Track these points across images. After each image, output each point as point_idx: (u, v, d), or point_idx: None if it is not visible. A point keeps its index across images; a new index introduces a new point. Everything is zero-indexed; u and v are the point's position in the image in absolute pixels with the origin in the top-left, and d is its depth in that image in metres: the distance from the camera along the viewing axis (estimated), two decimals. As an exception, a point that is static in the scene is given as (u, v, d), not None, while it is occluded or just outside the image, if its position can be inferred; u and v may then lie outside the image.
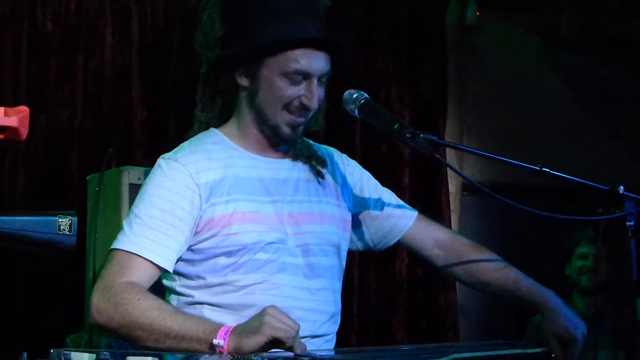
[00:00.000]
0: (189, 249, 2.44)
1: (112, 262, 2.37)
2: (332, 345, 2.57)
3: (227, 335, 2.20)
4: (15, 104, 4.04)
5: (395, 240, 2.77)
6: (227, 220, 2.42)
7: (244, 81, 2.51)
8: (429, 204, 4.93)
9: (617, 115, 5.43)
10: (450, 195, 5.01)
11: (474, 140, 5.21)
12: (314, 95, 2.46)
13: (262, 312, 2.21)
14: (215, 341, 2.20)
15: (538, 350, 2.40)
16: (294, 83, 2.46)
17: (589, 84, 5.50)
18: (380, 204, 2.77)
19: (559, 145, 5.25)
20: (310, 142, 2.68)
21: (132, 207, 2.46)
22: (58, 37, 4.35)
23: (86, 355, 1.84)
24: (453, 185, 5.07)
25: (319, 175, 2.62)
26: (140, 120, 4.42)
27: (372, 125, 2.56)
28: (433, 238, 2.79)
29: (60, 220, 1.96)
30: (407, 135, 2.39)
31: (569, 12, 5.43)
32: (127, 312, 2.27)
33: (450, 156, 4.83)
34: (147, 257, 2.36)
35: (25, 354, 1.84)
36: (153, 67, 4.48)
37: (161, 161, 2.50)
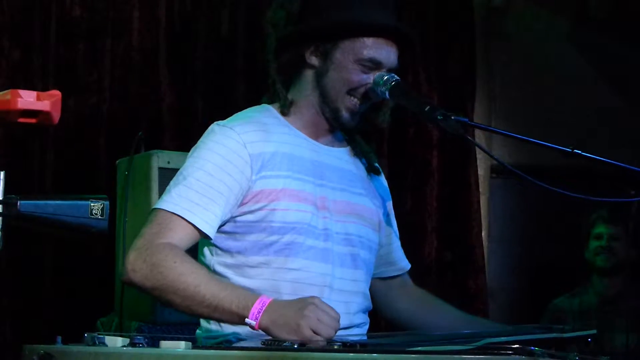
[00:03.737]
0: (233, 220, 2.42)
1: (153, 222, 2.35)
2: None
3: (260, 315, 2.16)
4: (44, 88, 4.05)
5: (392, 275, 2.77)
6: (276, 195, 2.40)
7: (313, 60, 2.51)
8: (458, 186, 4.91)
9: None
10: (479, 177, 4.99)
11: (503, 122, 5.18)
12: None
13: (305, 304, 2.16)
14: (247, 320, 2.18)
15: (574, 334, 2.38)
16: (365, 71, 2.47)
17: (618, 64, 5.45)
18: (395, 236, 2.77)
19: (589, 127, 5.21)
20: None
21: (180, 169, 2.44)
22: (86, 21, 4.35)
23: (120, 339, 1.85)
24: (482, 167, 5.04)
25: (372, 170, 2.63)
26: (168, 104, 4.42)
27: (403, 107, 2.56)
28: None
29: (92, 204, 1.96)
30: (439, 117, 2.38)
31: (598, -7, 5.39)
32: (162, 275, 2.26)
33: (479, 138, 4.80)
34: (189, 220, 2.34)
35: (59, 338, 1.85)
36: (180, 51, 4.47)
37: (215, 127, 2.48)
